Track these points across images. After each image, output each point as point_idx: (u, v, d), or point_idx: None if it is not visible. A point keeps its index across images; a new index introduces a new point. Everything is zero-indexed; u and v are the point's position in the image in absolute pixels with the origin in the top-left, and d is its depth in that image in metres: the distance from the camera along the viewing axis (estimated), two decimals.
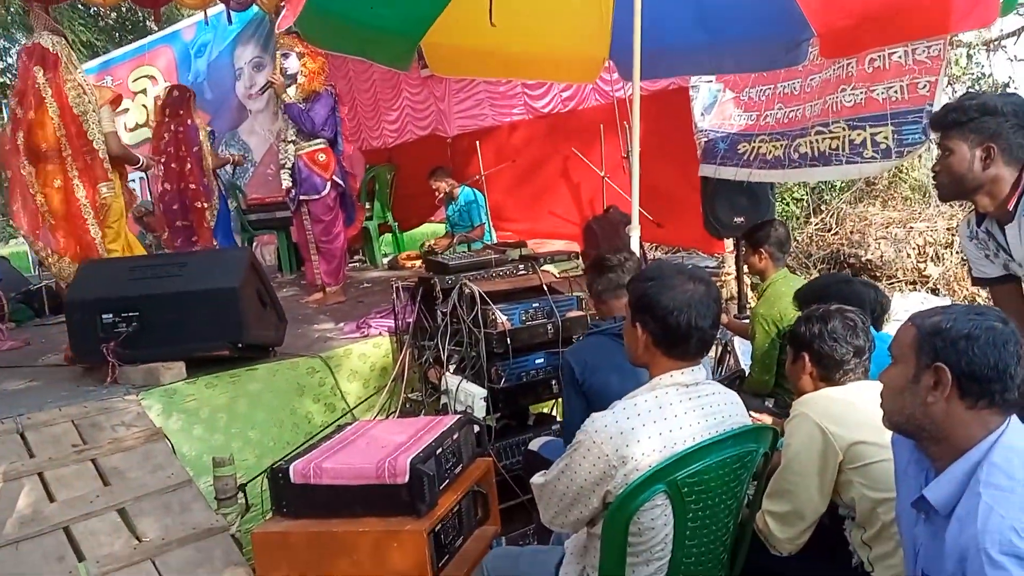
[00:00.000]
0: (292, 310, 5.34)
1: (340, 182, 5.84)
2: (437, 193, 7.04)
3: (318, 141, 5.71)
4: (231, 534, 3.01)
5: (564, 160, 6.96)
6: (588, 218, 6.14)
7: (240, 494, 3.16)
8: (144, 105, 9.84)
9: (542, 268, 4.02)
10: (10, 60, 17.60)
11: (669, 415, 1.88)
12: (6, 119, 4.67)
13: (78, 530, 2.78)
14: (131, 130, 10.01)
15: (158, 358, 3.79)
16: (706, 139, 5.20)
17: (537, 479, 2.05)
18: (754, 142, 4.91)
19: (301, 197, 5.80)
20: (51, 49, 4.35)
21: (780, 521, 2.22)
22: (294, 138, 5.76)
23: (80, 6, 13.87)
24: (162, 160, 6.02)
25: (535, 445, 3.15)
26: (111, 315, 3.83)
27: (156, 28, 9.87)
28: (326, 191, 5.74)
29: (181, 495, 3.11)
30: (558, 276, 4.05)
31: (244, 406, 3.85)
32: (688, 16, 4.45)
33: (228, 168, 7.28)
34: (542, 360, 3.75)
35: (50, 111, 4.30)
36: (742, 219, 5.05)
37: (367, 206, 8.02)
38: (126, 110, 9.94)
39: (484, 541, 2.83)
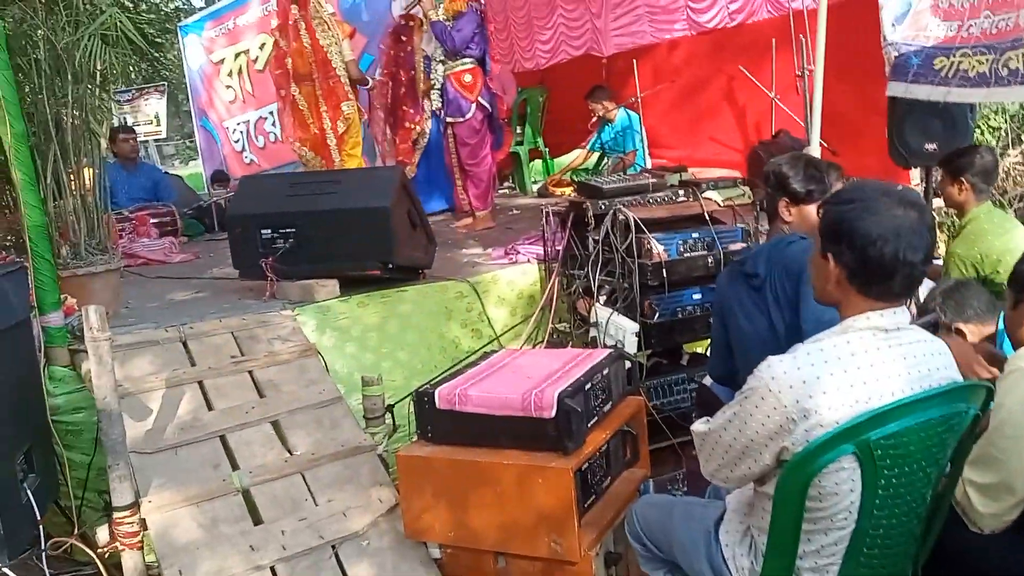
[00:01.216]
0: (441, 234, 5.29)
1: (486, 104, 5.67)
2: (592, 115, 6.73)
3: (465, 61, 5.56)
4: (378, 453, 3.00)
5: (728, 80, 6.44)
6: (754, 144, 5.68)
7: (388, 414, 3.15)
8: None
9: (704, 195, 3.71)
10: None
11: (863, 364, 1.60)
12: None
13: (233, 439, 2.85)
14: None
15: (313, 275, 3.83)
16: (896, 53, 4.59)
17: (699, 426, 1.84)
18: (954, 56, 4.31)
19: (447, 119, 5.71)
20: None
21: (984, 493, 1.90)
22: (443, 58, 5.65)
23: None
24: (387, 81, 6.30)
25: (708, 381, 2.93)
26: (270, 231, 3.89)
27: None
28: (471, 113, 5.62)
29: (332, 411, 3.13)
30: (722, 204, 3.73)
31: (394, 327, 3.84)
32: None
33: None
34: (700, 296, 3.49)
35: (304, 42, 5.32)
36: (935, 146, 4.47)
37: (518, 130, 7.82)
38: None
39: (632, 484, 2.68)
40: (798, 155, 2.52)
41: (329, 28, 5.35)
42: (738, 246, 3.58)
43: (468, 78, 5.57)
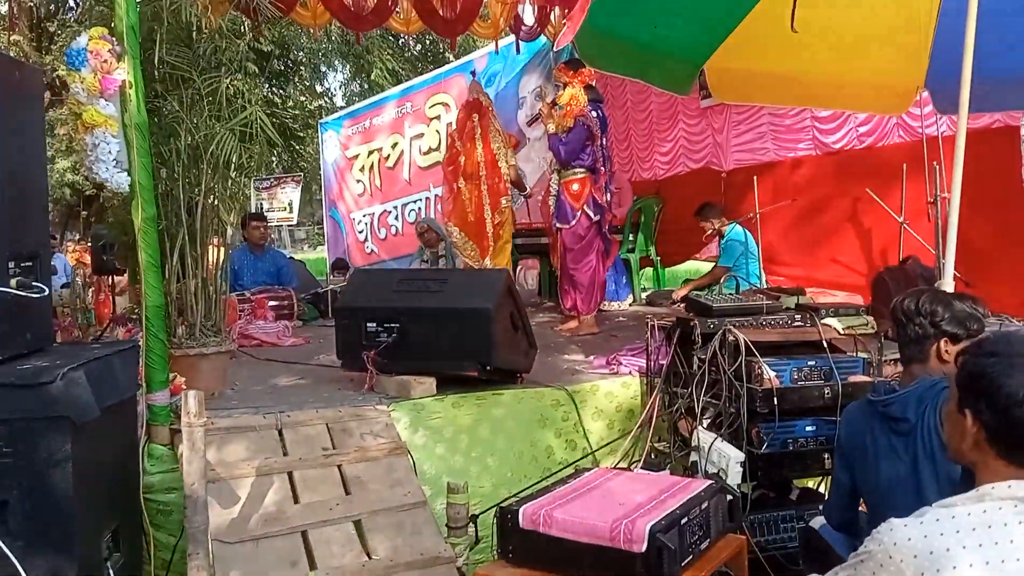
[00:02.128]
0: (544, 336, 5.22)
1: (591, 213, 5.70)
2: (704, 231, 6.63)
3: (576, 171, 5.72)
4: (458, 566, 2.87)
5: (854, 202, 6.21)
6: (879, 269, 5.40)
7: (471, 525, 3.02)
8: (437, 131, 10.39)
9: (823, 321, 3.50)
10: (327, 84, 19.94)
11: (1001, 539, 1.38)
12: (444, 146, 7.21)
13: (314, 536, 2.79)
14: (425, 153, 10.61)
15: (411, 371, 3.80)
16: None
17: None
18: None
19: (556, 225, 5.82)
20: (484, 103, 6.40)
21: None
22: (558, 167, 5.82)
23: (390, 37, 15.29)
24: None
25: (816, 523, 2.68)
26: (375, 324, 3.91)
27: (453, 58, 10.48)
28: (575, 220, 5.71)
29: (414, 516, 3.04)
30: (842, 333, 3.50)
31: (486, 431, 3.74)
32: None
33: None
34: (813, 428, 3.23)
35: (478, 147, 6.26)
36: None
37: (631, 238, 7.79)
38: (422, 135, 10.61)
39: None
40: (934, 291, 2.34)
41: (500, 135, 6.33)
42: (858, 378, 3.32)
43: (576, 187, 5.73)
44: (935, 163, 5.06)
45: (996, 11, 3.39)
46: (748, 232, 6.30)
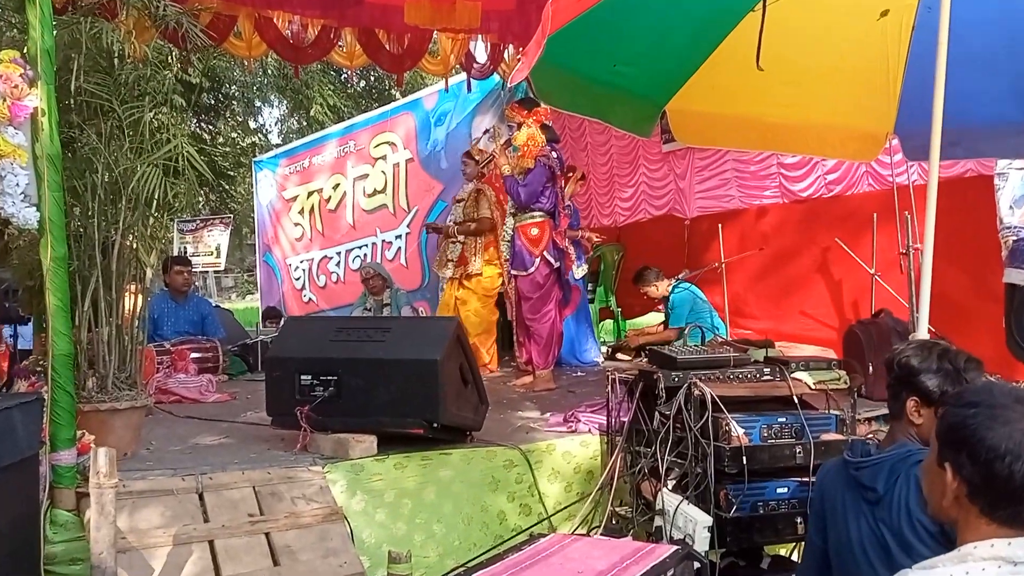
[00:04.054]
0: (497, 392, 5.21)
1: (552, 260, 5.72)
2: (645, 297, 6.73)
3: (535, 214, 5.71)
4: None
5: (823, 252, 6.38)
6: (850, 322, 5.52)
7: None
8: (383, 171, 10.43)
9: (793, 375, 3.55)
10: (262, 120, 19.96)
11: None
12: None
13: None
14: (370, 195, 10.61)
15: (350, 428, 3.75)
16: (1015, 238, 4.54)
17: None
18: None
19: (512, 272, 5.78)
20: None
21: None
22: (513, 210, 5.81)
23: (332, 71, 15.43)
24: None
25: None
26: (310, 376, 3.85)
27: (399, 95, 10.56)
28: (534, 268, 5.70)
29: None
30: (813, 387, 3.55)
31: (433, 495, 3.69)
32: (1000, 88, 3.90)
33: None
34: (786, 490, 3.26)
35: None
36: None
37: (589, 287, 7.86)
38: (366, 175, 10.62)
39: None
40: (929, 344, 2.26)
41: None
42: (831, 436, 3.37)
43: (535, 231, 5.69)
44: (906, 213, 5.23)
45: (965, 59, 3.56)
46: (695, 286, 6.38)
